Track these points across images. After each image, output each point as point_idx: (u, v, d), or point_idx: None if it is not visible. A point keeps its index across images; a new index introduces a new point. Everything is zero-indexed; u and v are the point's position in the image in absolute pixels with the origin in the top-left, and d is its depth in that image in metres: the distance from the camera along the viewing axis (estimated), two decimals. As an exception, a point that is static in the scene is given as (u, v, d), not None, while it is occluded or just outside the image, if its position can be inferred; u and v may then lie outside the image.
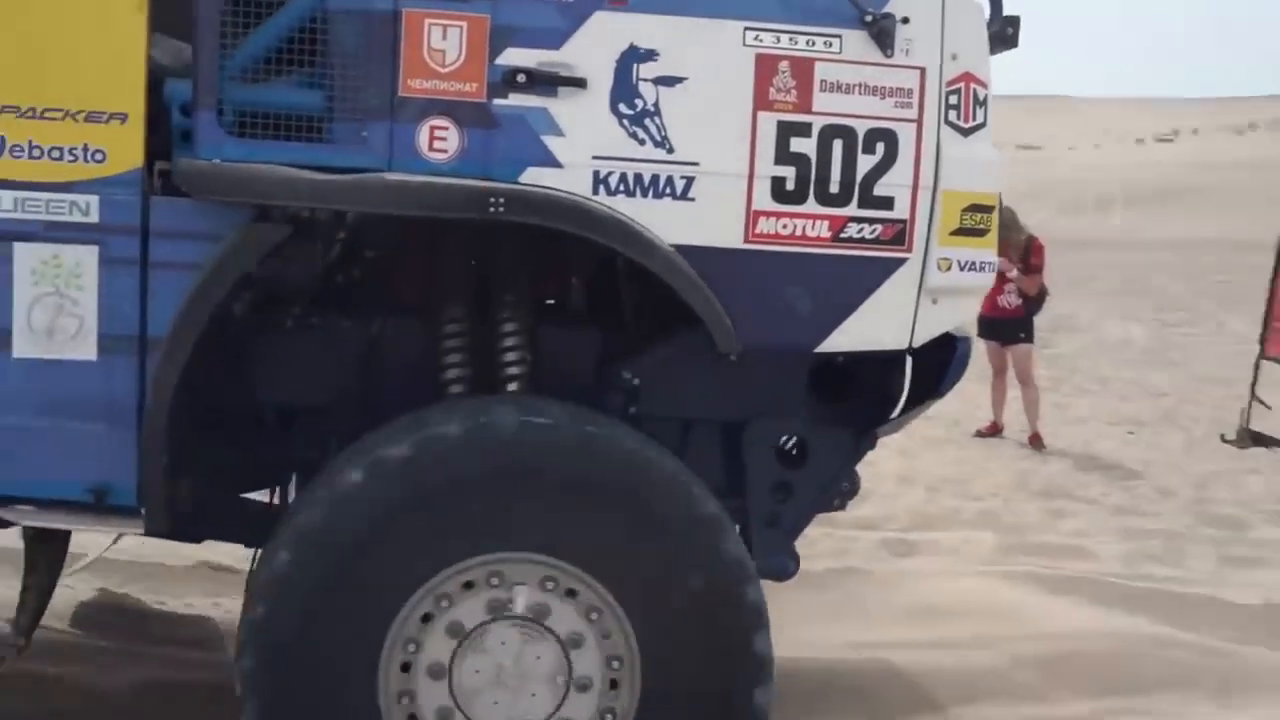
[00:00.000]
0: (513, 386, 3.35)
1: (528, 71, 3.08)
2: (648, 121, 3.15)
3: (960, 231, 3.30)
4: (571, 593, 3.08)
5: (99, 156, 3.00)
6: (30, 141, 2.99)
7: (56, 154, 2.99)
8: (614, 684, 3.12)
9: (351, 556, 2.97)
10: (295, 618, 2.98)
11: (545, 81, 3.09)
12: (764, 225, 3.21)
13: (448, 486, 3.00)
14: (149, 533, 3.10)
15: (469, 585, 3.03)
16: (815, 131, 3.19)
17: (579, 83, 3.10)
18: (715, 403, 3.57)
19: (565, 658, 3.09)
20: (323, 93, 3.11)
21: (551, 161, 3.12)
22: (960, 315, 3.46)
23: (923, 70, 3.23)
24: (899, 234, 3.27)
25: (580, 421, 3.14)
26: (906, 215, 3.26)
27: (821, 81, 3.18)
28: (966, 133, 3.29)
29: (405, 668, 3.04)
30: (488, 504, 3.03)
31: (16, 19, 3.00)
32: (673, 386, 3.54)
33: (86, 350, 3.03)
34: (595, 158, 3.14)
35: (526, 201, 3.08)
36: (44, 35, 3.00)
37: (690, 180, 3.17)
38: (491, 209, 3.05)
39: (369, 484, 2.96)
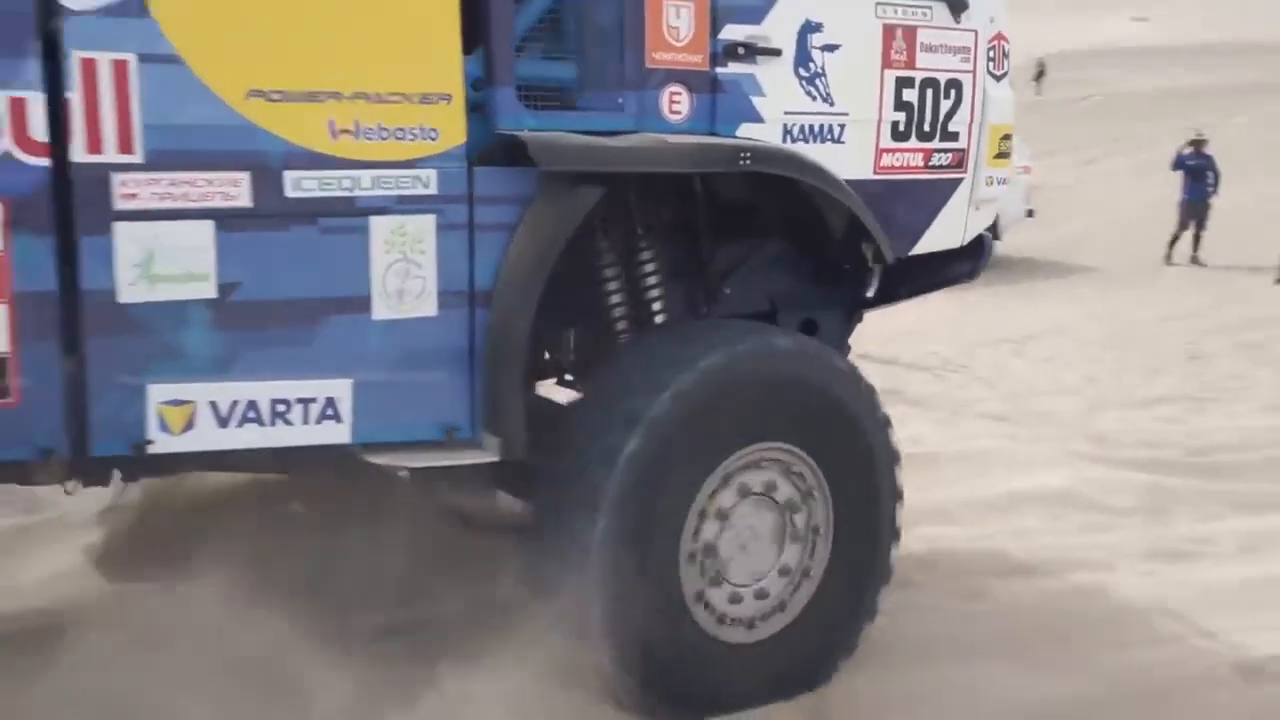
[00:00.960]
0: (658, 311, 4.09)
1: (744, 44, 3.79)
2: (818, 81, 3.97)
3: (998, 156, 4.45)
4: (795, 473, 3.93)
5: (433, 135, 3.35)
6: (380, 125, 3.28)
7: (400, 134, 3.31)
8: (814, 547, 4.02)
9: (681, 439, 3.61)
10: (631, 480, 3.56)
11: (755, 52, 3.82)
12: (885, 160, 4.17)
13: (744, 389, 3.74)
14: (505, 458, 3.55)
15: (741, 468, 3.80)
16: (917, 84, 4.18)
17: (775, 52, 3.87)
18: (764, 299, 4.48)
19: (786, 522, 3.95)
20: (581, 66, 3.64)
21: (757, 118, 3.88)
22: (991, 218, 4.62)
23: (976, 32, 4.31)
24: (961, 159, 4.36)
25: (815, 345, 4.00)
26: (965, 145, 4.35)
27: (921, 44, 4.16)
28: (999, 79, 4.43)
29: (694, 533, 3.76)
30: (765, 403, 3.80)
31: (365, 16, 3.26)
32: (747, 291, 4.42)
33: (429, 308, 3.42)
34: (785, 113, 3.93)
35: (766, 155, 3.83)
36: (386, 28, 3.28)
37: (843, 127, 4.05)
38: (740, 162, 3.77)
39: (697, 384, 3.61)
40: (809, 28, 3.94)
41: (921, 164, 4.27)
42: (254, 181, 3.16)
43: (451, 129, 3.39)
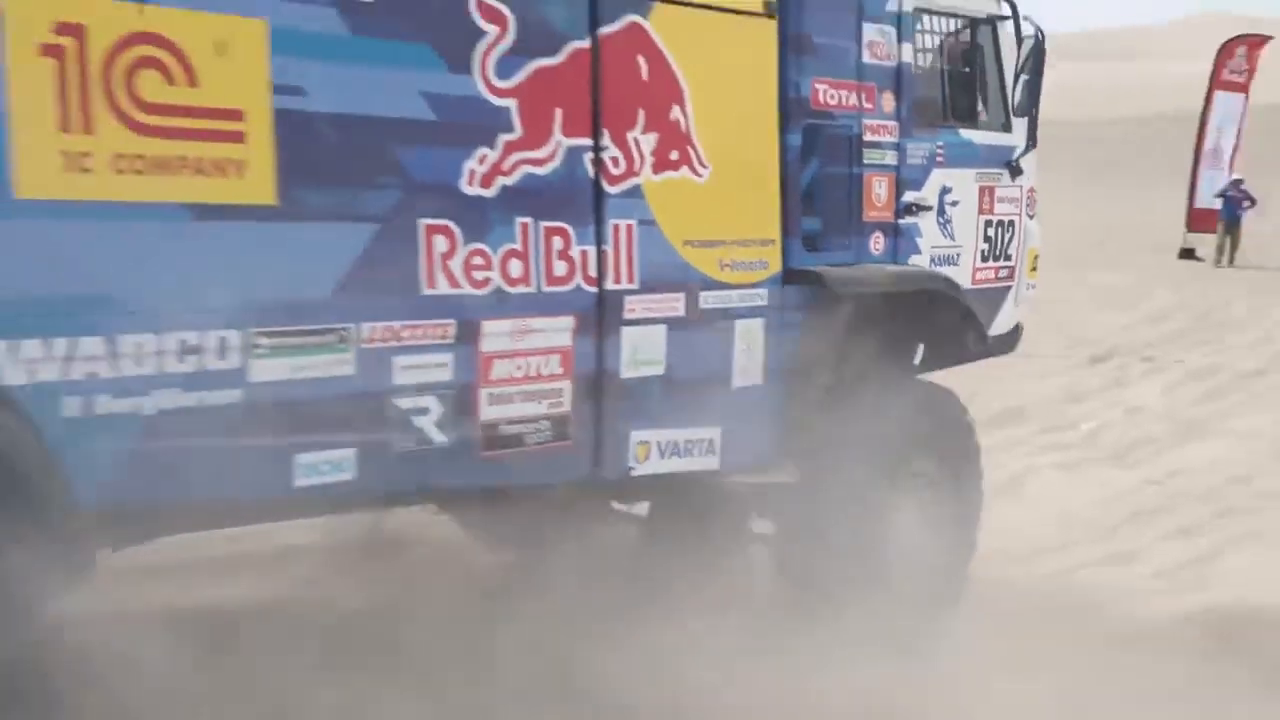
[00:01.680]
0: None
1: (914, 204, 5.80)
2: (948, 225, 6.03)
3: (1031, 269, 6.62)
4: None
5: (765, 265, 5.21)
6: (742, 260, 5.15)
7: (750, 266, 5.17)
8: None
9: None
10: None
11: (919, 209, 5.84)
12: (978, 275, 6.25)
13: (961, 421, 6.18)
14: (794, 480, 5.48)
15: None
16: (995, 225, 6.31)
17: (929, 208, 5.90)
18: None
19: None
20: (824, 221, 5.53)
21: (919, 252, 5.90)
22: (1025, 312, 6.77)
23: (1023, 188, 6.47)
24: (1011, 273, 6.49)
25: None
26: (1015, 263, 6.50)
27: (997, 197, 6.29)
28: (1032, 218, 6.60)
29: None
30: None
31: (740, 198, 5.17)
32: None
33: (758, 379, 5.26)
34: (932, 247, 5.97)
35: (939, 279, 5.90)
36: (748, 203, 5.20)
37: (959, 254, 6.12)
38: (928, 285, 5.82)
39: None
40: (944, 190, 5.99)
41: (993, 276, 6.38)
42: (686, 299, 4.95)
43: (773, 261, 5.25)
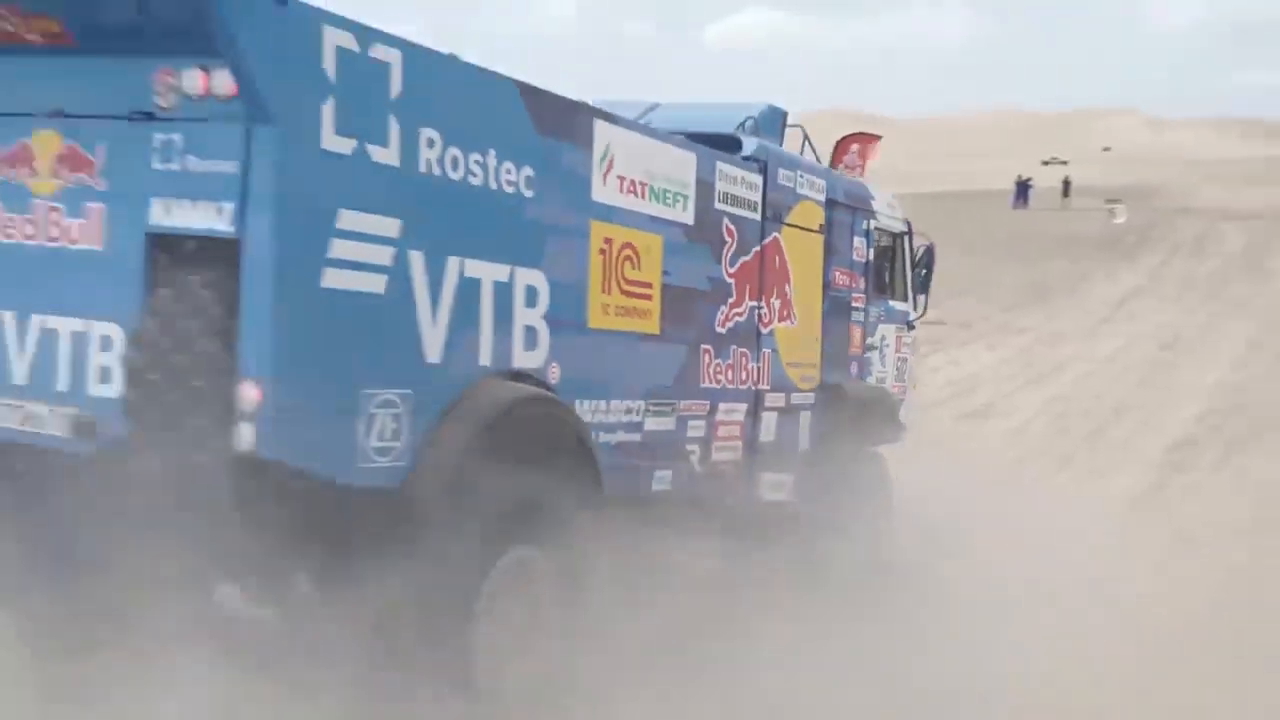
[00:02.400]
0: None
1: (871, 345, 9.85)
2: (884, 359, 10.29)
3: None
4: None
5: (813, 379, 8.77)
6: (804, 376, 8.61)
7: (808, 380, 8.67)
8: None
9: None
10: None
11: (872, 348, 9.96)
12: (895, 389, 10.37)
13: None
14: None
15: None
16: (901, 360, 10.54)
17: (876, 348, 10.08)
18: None
19: None
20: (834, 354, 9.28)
21: (871, 375, 10.09)
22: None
23: (914, 338, 10.61)
24: (904, 390, 10.59)
25: None
26: (906, 384, 10.65)
27: (902, 342, 10.63)
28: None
29: None
30: None
31: (806, 339, 8.67)
32: None
33: (807, 445, 8.94)
34: (878, 372, 10.15)
35: (885, 391, 10.23)
36: (809, 341, 8.69)
37: (887, 377, 10.33)
38: (879, 395, 10.07)
39: None
40: (883, 337, 10.22)
41: (900, 391, 10.60)
42: (786, 398, 8.65)
43: (817, 377, 8.68)
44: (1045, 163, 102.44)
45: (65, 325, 5.33)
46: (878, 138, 27.80)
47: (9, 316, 5.46)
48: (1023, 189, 56.05)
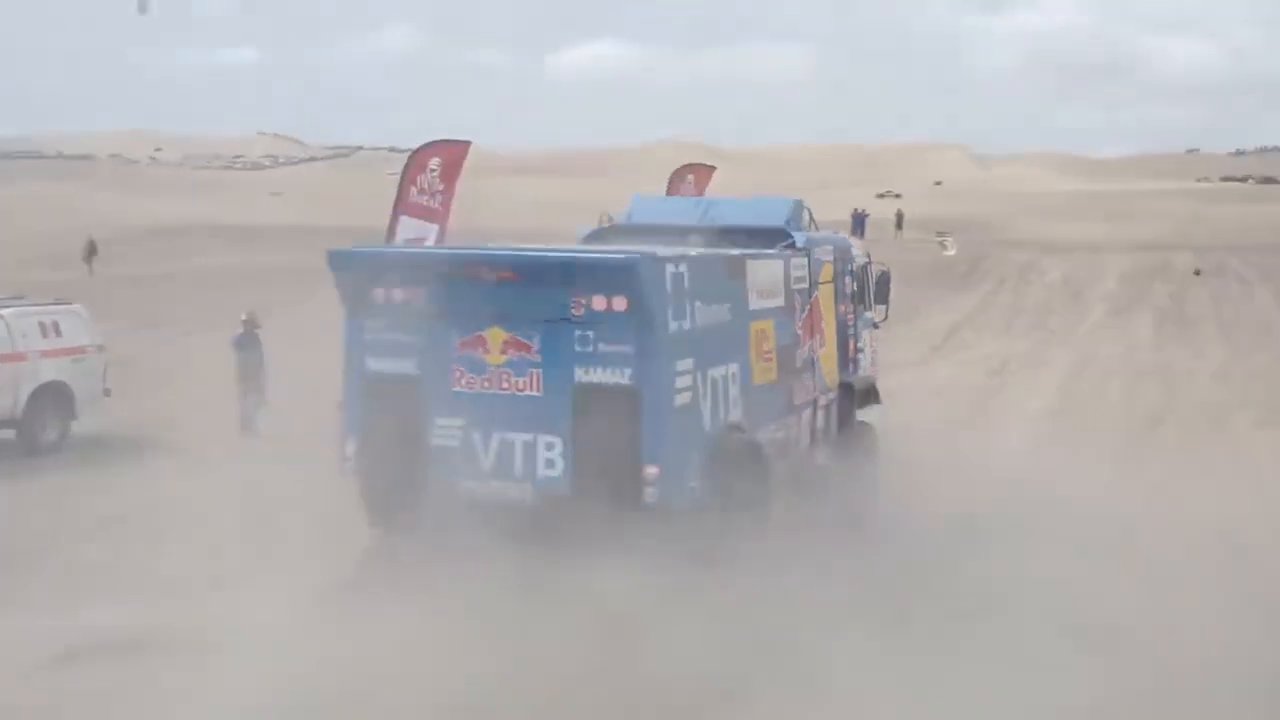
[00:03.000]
0: None
1: (861, 348, 14.60)
2: (866, 354, 14.79)
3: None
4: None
5: (838, 381, 13.51)
6: (833, 381, 13.52)
7: (835, 382, 13.53)
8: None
9: None
10: None
11: (861, 350, 14.51)
12: (872, 372, 15.24)
13: None
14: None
15: None
16: (873, 351, 15.95)
17: (864, 349, 14.57)
18: None
19: None
20: (843, 359, 14.05)
21: (861, 368, 14.62)
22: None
23: (876, 337, 14.01)
24: (875, 371, 15.13)
25: None
26: (876, 367, 14.85)
27: (873, 340, 15.28)
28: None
29: None
30: None
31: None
32: None
33: (835, 426, 13.84)
34: (865, 364, 14.73)
35: (870, 378, 14.85)
36: (833, 355, 13.49)
37: (869, 365, 15.01)
38: (869, 380, 14.82)
39: None
40: (866, 340, 14.72)
41: (874, 374, 15.48)
42: (827, 397, 13.23)
43: (837, 379, 13.42)
44: (880, 195, 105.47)
45: (519, 438, 9.87)
46: (712, 168, 28.41)
47: (478, 434, 9.92)
48: (859, 221, 57.34)
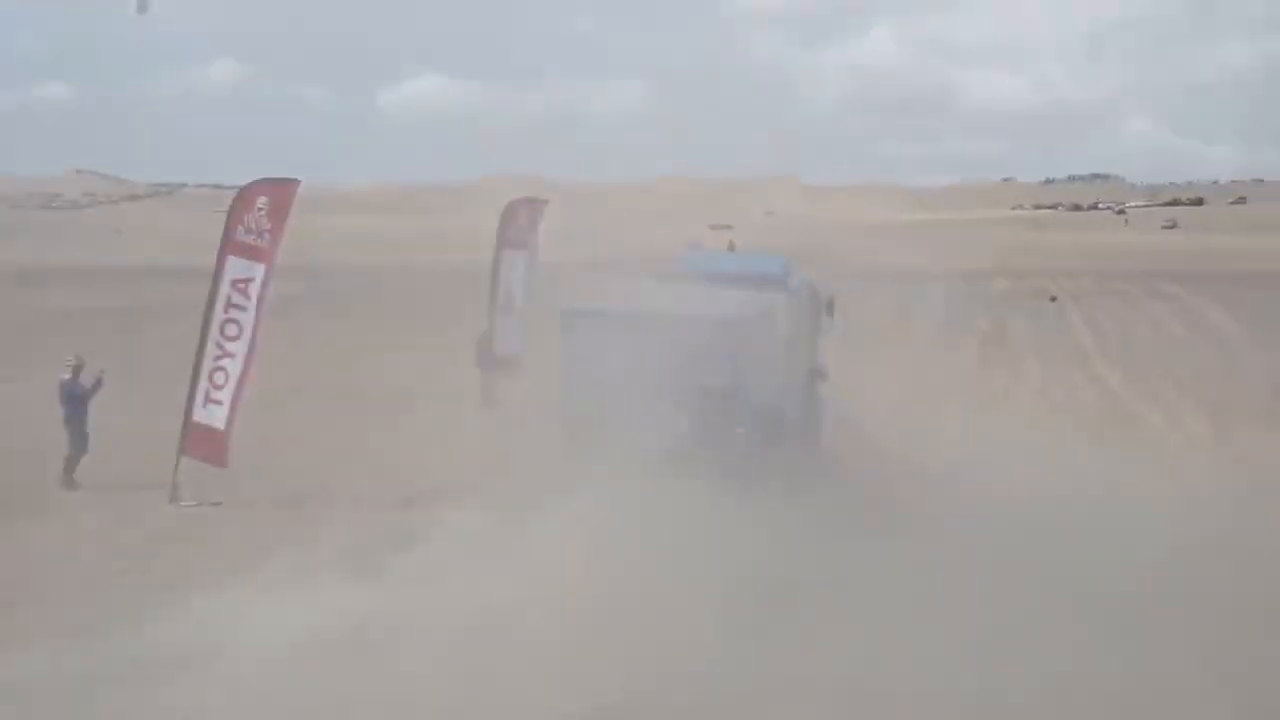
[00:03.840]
0: None
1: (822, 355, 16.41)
2: (825, 355, 17.21)
3: None
4: None
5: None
6: (822, 369, 17.62)
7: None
8: None
9: None
10: None
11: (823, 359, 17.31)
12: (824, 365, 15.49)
13: None
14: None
15: None
16: (826, 353, 15.90)
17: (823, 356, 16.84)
18: None
19: None
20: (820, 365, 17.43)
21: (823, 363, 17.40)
22: None
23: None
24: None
25: None
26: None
27: (826, 344, 16.53)
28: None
29: None
30: None
31: None
32: None
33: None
34: (825, 362, 16.13)
35: (824, 368, 18.57)
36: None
37: (827, 364, 17.12)
38: (821, 369, 18.42)
39: None
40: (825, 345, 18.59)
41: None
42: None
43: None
44: (713, 227, 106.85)
45: None
46: (545, 202, 28.52)
47: None
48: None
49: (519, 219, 26.51)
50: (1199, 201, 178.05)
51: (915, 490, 14.71)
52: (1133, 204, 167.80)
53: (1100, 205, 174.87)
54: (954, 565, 10.62)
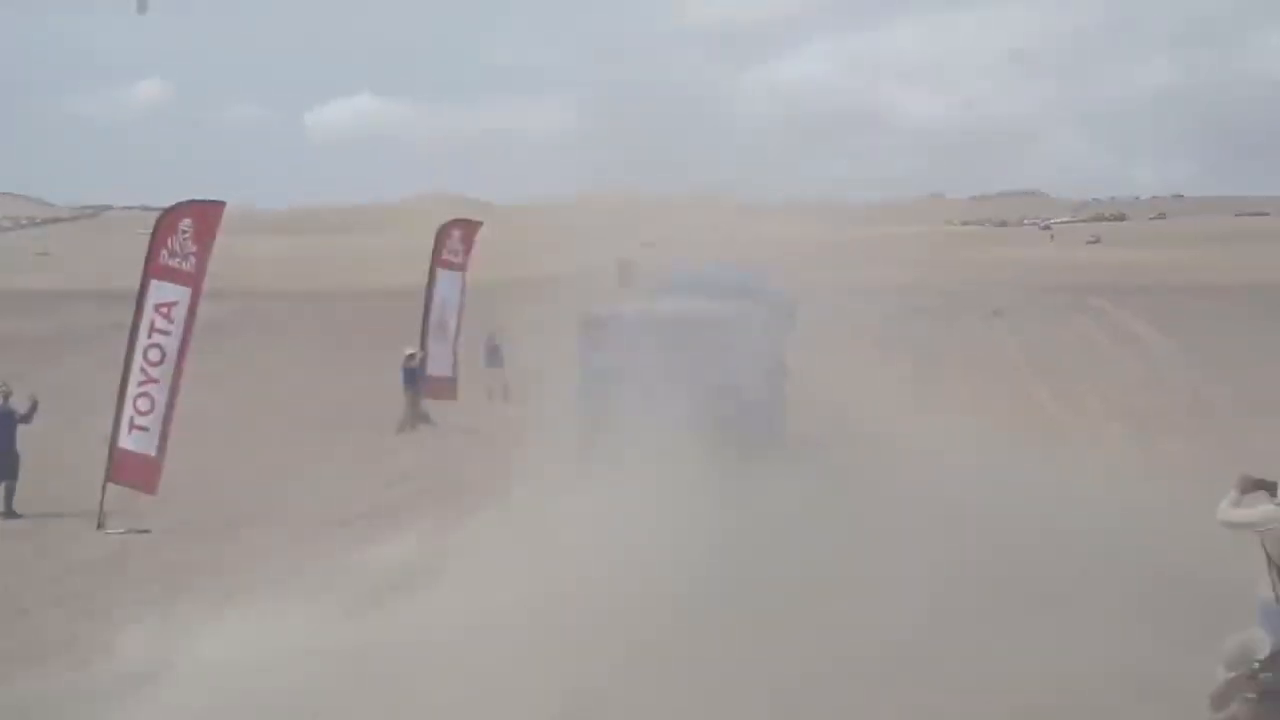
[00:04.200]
0: None
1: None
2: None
3: None
4: None
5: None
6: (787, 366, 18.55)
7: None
8: None
9: None
10: None
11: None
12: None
13: None
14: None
15: None
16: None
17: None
18: None
19: None
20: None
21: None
22: None
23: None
24: None
25: None
26: None
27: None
28: None
29: None
30: None
31: None
32: None
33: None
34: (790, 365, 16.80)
35: (784, 366, 19.32)
36: None
37: (786, 362, 18.35)
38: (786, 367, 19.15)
39: None
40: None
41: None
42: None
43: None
44: (646, 245, 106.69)
45: None
46: (479, 224, 28.58)
47: None
48: (626, 270, 58.03)
49: (453, 240, 26.55)
50: (1121, 217, 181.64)
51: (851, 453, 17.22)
52: (1058, 220, 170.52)
53: (1027, 221, 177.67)
54: (863, 494, 14.03)
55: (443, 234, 26.66)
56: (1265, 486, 7.66)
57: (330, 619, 10.70)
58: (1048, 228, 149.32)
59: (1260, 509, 7.65)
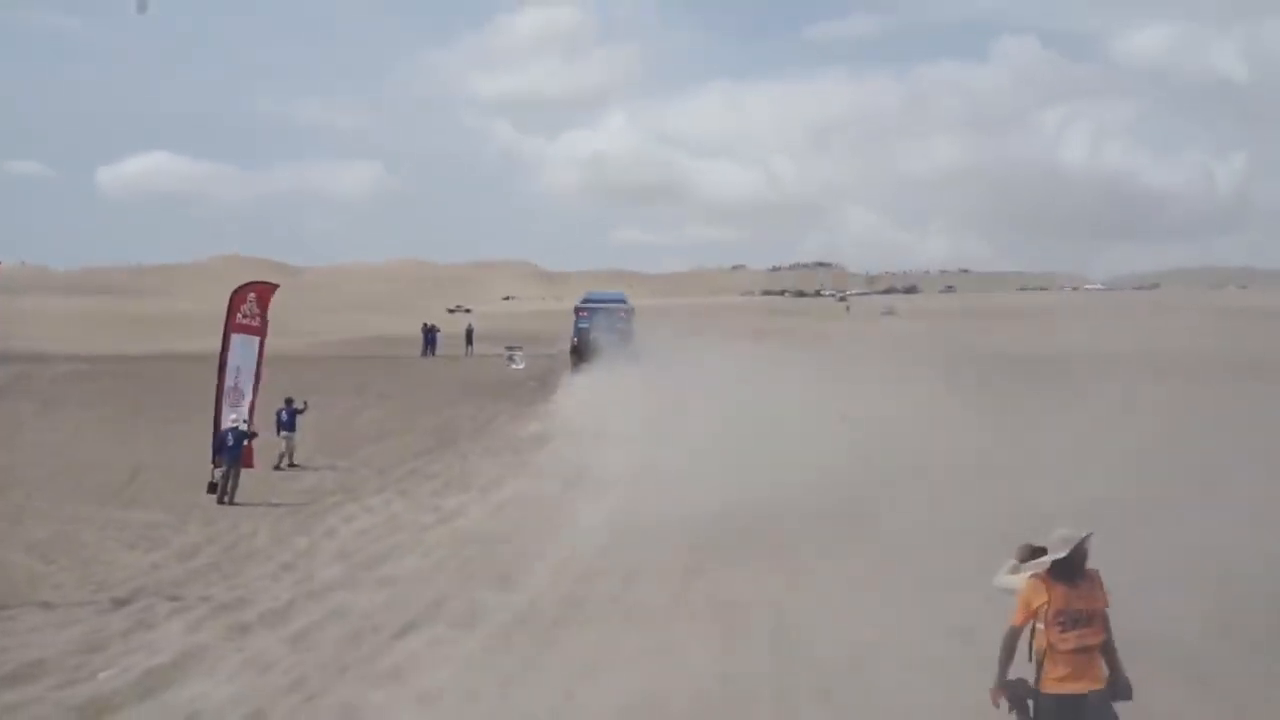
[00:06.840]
0: None
1: None
2: None
3: None
4: None
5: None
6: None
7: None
8: None
9: None
10: None
11: None
12: None
13: None
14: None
15: None
16: None
17: None
18: None
19: None
20: None
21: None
22: None
23: None
24: None
25: None
26: None
27: None
28: None
29: None
30: None
31: None
32: None
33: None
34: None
35: None
36: None
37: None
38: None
39: None
40: None
41: None
42: None
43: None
44: (451, 310, 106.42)
45: None
46: (275, 286, 27.86)
47: None
48: (430, 336, 57.61)
49: (249, 303, 25.48)
50: (913, 289, 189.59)
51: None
52: (853, 291, 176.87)
53: (823, 292, 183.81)
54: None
55: (237, 297, 25.64)
56: (1040, 553, 8.03)
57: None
58: (844, 299, 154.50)
59: (1021, 577, 8.03)
